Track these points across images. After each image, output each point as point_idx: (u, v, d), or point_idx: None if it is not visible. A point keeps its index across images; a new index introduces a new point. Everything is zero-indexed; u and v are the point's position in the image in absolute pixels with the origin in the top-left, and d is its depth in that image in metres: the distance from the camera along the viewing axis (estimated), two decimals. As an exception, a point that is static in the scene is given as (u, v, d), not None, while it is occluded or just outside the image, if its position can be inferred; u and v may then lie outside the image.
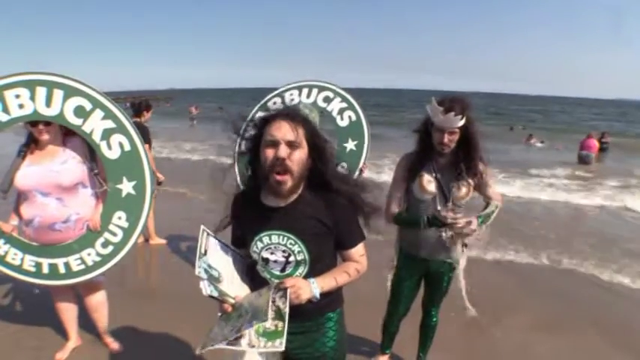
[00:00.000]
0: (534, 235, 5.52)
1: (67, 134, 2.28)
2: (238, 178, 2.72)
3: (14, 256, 2.25)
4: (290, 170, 1.27)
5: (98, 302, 2.57)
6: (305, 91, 2.89)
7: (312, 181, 1.37)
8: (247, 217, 1.43)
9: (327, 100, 2.87)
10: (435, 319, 2.41)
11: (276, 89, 2.95)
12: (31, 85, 2.11)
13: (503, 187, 7.44)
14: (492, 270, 4.18)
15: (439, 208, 2.01)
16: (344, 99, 2.88)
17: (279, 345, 1.21)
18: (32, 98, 2.11)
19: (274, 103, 2.86)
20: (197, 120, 23.15)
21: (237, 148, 2.92)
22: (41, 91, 2.12)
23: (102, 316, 2.63)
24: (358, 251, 1.45)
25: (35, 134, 2.19)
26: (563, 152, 14.41)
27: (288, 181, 1.28)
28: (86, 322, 2.69)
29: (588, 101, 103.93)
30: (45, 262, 2.27)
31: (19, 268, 2.27)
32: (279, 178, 1.27)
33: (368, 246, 1.54)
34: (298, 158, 1.28)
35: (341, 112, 2.86)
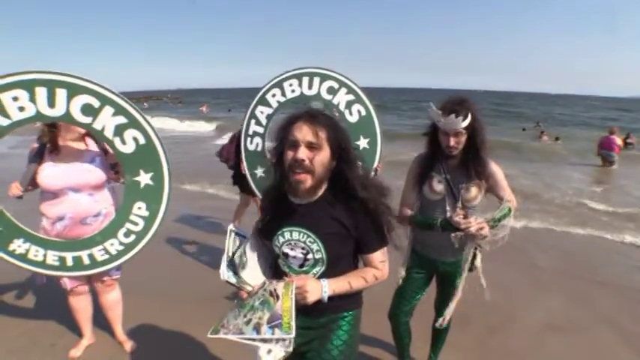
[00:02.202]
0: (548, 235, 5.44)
1: (86, 133, 2.29)
2: (248, 175, 2.77)
3: (36, 253, 2.27)
4: (310, 170, 1.29)
5: (113, 301, 2.63)
6: (305, 80, 2.66)
7: (336, 183, 1.38)
8: (273, 211, 1.47)
9: (332, 91, 2.65)
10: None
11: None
12: (29, 86, 1.99)
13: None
14: (505, 269, 4.01)
15: (448, 209, 2.01)
16: (350, 90, 2.65)
17: (289, 345, 1.22)
18: (32, 99, 2.01)
19: (273, 95, 2.71)
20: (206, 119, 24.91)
21: (242, 146, 2.85)
22: (42, 92, 2.01)
23: (117, 315, 2.69)
24: (378, 257, 1.43)
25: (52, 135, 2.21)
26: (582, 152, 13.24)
27: (308, 181, 1.30)
28: (101, 320, 2.74)
29: (591, 99, 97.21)
30: (69, 256, 2.33)
31: (42, 264, 2.30)
32: (297, 177, 1.30)
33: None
34: (319, 160, 1.30)
35: (349, 105, 2.64)
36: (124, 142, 2.22)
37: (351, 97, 2.66)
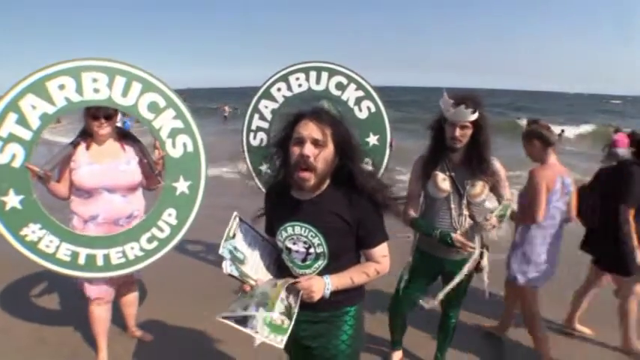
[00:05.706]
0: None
1: (122, 138, 2.33)
2: (251, 169, 2.80)
3: (49, 243, 2.10)
4: (313, 168, 1.31)
5: (133, 297, 2.67)
6: (313, 74, 2.61)
7: (338, 178, 1.41)
8: (276, 207, 1.51)
9: (341, 87, 2.60)
10: (453, 320, 2.35)
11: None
12: (111, 73, 2.09)
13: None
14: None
15: (453, 206, 2.05)
16: (359, 86, 2.62)
17: (280, 342, 1.23)
18: (109, 85, 2.09)
19: (279, 89, 2.67)
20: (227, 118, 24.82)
21: (244, 141, 2.90)
22: (120, 81, 2.11)
23: (134, 310, 2.72)
24: (379, 251, 1.46)
25: (94, 128, 2.17)
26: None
27: (311, 179, 1.33)
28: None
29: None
30: (82, 253, 2.16)
31: (51, 257, 2.11)
32: (302, 175, 1.32)
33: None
34: (323, 157, 1.32)
35: (358, 102, 2.62)
36: (174, 145, 2.30)
37: (360, 93, 2.65)
